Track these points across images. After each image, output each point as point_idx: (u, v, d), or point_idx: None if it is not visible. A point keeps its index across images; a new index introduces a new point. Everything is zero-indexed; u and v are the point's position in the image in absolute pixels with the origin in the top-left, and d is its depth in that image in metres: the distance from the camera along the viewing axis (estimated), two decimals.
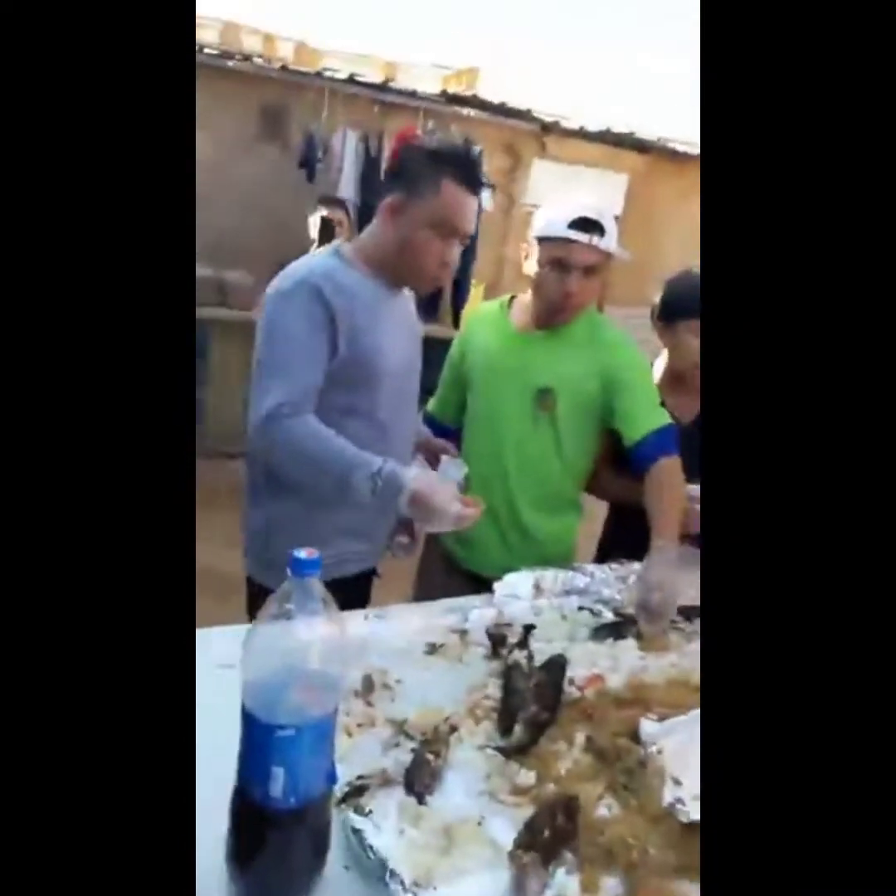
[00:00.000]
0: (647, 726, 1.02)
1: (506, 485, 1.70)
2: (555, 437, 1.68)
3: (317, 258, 1.48)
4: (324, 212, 3.73)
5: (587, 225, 1.58)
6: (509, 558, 1.68)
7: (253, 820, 0.78)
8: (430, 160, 1.42)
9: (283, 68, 4.93)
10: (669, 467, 1.57)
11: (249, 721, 0.76)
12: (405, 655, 1.23)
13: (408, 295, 1.60)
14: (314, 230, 3.64)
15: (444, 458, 1.59)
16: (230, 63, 4.79)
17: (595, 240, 1.58)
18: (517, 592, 1.45)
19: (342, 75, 5.06)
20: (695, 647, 1.34)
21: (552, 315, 1.67)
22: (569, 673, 1.17)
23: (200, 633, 0.75)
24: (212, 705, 0.79)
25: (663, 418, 1.62)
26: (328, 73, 5.07)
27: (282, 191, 4.93)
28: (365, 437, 1.39)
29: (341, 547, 1.47)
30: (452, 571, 1.82)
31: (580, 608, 1.42)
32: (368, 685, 1.13)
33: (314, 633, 0.77)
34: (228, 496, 2.21)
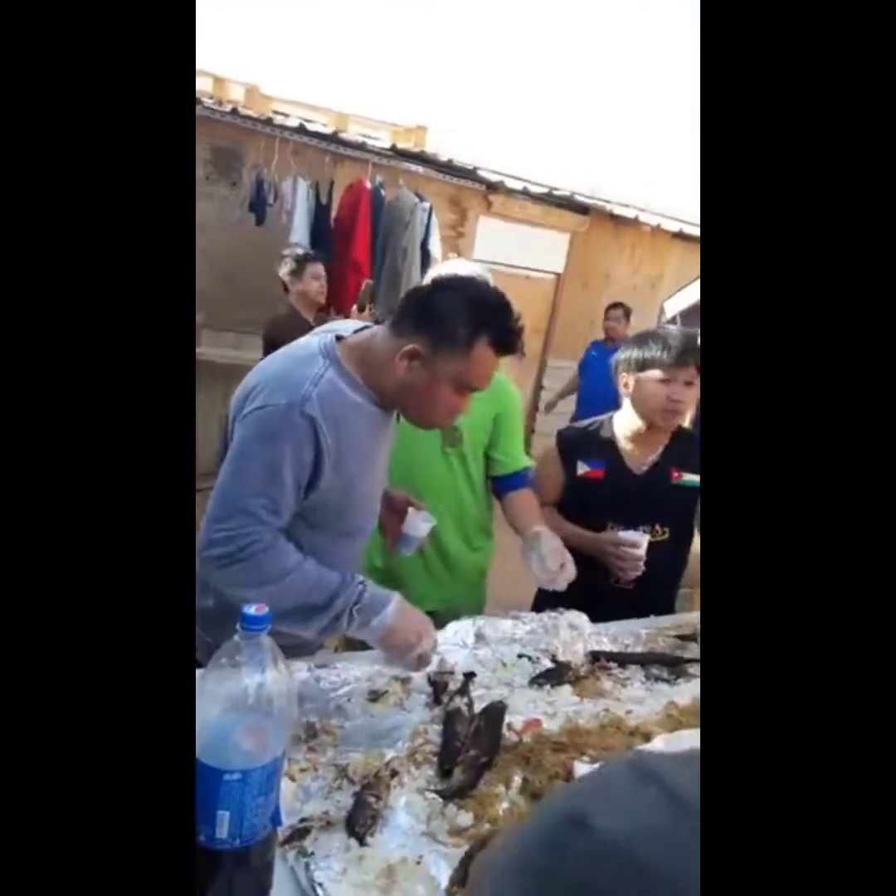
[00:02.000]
0: (581, 769, 1.06)
1: None
2: (464, 471, 1.90)
3: (315, 370, 1.26)
4: (316, 274, 3.81)
5: None
6: (435, 589, 1.89)
7: (199, 860, 0.79)
8: (468, 316, 1.26)
9: (234, 112, 4.95)
10: (529, 493, 1.89)
11: (197, 765, 0.78)
12: (348, 702, 1.25)
13: None
14: (311, 285, 3.74)
15: (410, 510, 1.53)
16: None
17: None
18: (460, 641, 1.49)
19: (293, 123, 5.13)
20: (628, 692, 1.40)
21: None
22: (508, 718, 1.21)
23: None
24: None
25: (527, 460, 1.94)
26: (279, 120, 5.13)
27: (231, 231, 4.95)
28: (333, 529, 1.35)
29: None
30: None
31: (520, 656, 1.47)
32: (312, 731, 1.16)
33: (261, 681, 0.79)
34: None
